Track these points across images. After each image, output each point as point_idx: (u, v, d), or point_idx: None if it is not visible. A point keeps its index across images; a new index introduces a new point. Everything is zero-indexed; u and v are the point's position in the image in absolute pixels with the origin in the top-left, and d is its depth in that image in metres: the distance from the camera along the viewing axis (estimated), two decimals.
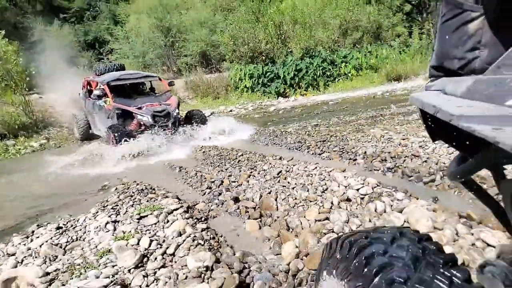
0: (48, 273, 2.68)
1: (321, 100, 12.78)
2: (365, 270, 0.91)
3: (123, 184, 5.13)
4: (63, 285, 2.49)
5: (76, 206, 4.61)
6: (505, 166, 0.89)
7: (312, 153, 5.41)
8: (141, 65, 20.24)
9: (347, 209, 3.01)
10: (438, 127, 0.89)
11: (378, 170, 4.19)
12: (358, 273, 0.93)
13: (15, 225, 4.24)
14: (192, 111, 8.79)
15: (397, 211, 2.77)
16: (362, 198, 3.15)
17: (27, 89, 10.95)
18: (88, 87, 9.39)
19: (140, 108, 7.58)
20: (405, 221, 2.61)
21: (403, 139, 5.08)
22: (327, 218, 2.89)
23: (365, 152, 4.80)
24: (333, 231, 2.65)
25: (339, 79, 15.45)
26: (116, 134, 7.02)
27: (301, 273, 2.26)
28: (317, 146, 5.62)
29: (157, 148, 6.93)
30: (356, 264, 0.95)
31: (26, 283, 2.54)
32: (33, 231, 3.73)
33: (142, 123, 7.52)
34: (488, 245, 2.18)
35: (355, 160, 4.68)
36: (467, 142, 0.76)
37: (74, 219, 3.91)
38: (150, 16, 21.84)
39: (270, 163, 4.82)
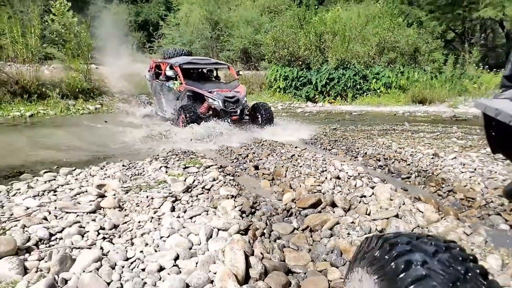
0: (124, 187, 3.97)
1: (346, 109, 13.80)
2: (400, 276, 0.89)
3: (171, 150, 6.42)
4: (136, 193, 3.76)
5: (132, 155, 5.92)
6: None
7: (324, 148, 6.55)
8: None
9: (335, 182, 4.15)
10: (501, 138, 0.84)
11: (371, 166, 5.29)
12: (392, 277, 0.92)
13: (87, 161, 5.59)
14: (259, 103, 8.62)
15: (369, 187, 3.89)
16: (348, 178, 4.28)
17: (91, 59, 12.54)
18: (156, 70, 9.61)
19: (211, 92, 7.71)
20: (372, 193, 3.73)
21: (400, 148, 6.14)
22: (319, 185, 4.04)
23: (366, 153, 5.91)
24: (320, 191, 3.81)
25: (367, 94, 16.36)
26: (188, 115, 7.26)
27: (292, 209, 3.44)
28: (329, 144, 6.75)
29: (219, 135, 7.10)
30: (393, 267, 0.93)
31: (111, 189, 3.83)
32: (103, 166, 5.06)
33: (212, 106, 7.69)
34: (419, 210, 3.28)
35: (356, 157, 5.79)
36: None
37: (134, 163, 5.22)
38: (202, 8, 23.31)
39: (287, 149, 5.99)
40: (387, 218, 3.06)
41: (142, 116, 9.79)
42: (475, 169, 4.79)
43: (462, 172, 4.68)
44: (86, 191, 3.69)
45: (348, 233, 2.86)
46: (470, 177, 4.49)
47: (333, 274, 2.35)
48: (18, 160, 5.54)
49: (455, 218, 3.25)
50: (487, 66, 19.22)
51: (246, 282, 2.17)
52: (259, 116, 8.20)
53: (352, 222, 3.05)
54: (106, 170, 4.77)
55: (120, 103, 11.40)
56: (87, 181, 4.23)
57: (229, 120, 7.56)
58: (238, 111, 7.75)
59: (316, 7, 27.03)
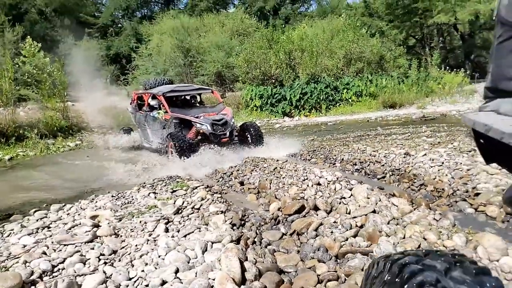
0: (117, 216, 4.12)
1: (322, 121, 14.26)
2: None
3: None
4: (129, 220, 3.92)
5: (119, 186, 6.04)
6: None
7: (303, 159, 6.85)
8: None
9: (316, 188, 4.42)
10: (492, 149, 0.85)
11: (348, 170, 5.61)
12: None
13: (75, 196, 5.68)
14: (247, 123, 8.57)
15: (347, 189, 4.17)
16: (328, 183, 4.56)
17: (66, 97, 12.62)
18: (138, 101, 9.61)
19: (197, 118, 7.64)
20: (351, 194, 4.01)
21: (374, 151, 6.50)
22: (302, 192, 4.30)
23: (342, 159, 6.24)
24: (303, 198, 4.06)
25: (340, 104, 16.95)
26: (177, 143, 7.06)
27: (279, 217, 3.68)
28: (308, 154, 7.07)
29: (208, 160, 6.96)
30: None
31: (104, 218, 3.97)
32: (93, 199, 5.18)
33: (201, 131, 7.61)
34: (394, 204, 3.58)
35: (334, 164, 6.11)
36: None
37: (122, 192, 5.36)
38: (172, 37, 23.79)
39: (269, 163, 6.25)
40: (366, 215, 3.33)
41: (123, 147, 9.85)
42: (442, 163, 5.17)
43: (432, 167, 5.05)
44: (80, 223, 3.83)
45: (332, 232, 3.12)
46: (438, 170, 4.86)
47: (321, 269, 2.59)
48: (4, 204, 5.58)
49: (426, 208, 3.56)
50: (448, 67, 20.23)
51: (243, 283, 2.38)
52: (249, 136, 8.17)
53: (335, 222, 3.31)
54: (96, 202, 4.90)
55: (99, 138, 11.42)
56: (79, 214, 4.35)
57: (218, 143, 7.52)
58: (228, 133, 7.72)
59: (283, 26, 28.04)
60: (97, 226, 3.70)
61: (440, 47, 28.42)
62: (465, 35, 28.06)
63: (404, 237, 2.86)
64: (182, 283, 2.41)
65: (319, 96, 16.73)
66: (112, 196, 5.14)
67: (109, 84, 25.76)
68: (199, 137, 7.72)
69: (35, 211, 4.68)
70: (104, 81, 26.98)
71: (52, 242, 3.34)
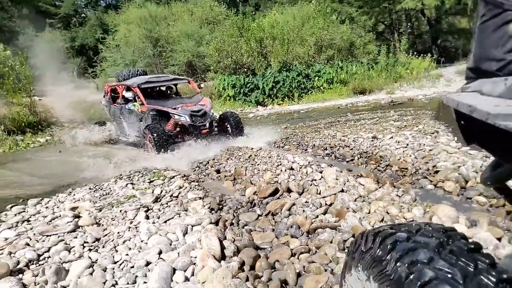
0: (97, 207, 4.21)
1: (294, 109, 14.54)
2: (406, 281, 0.86)
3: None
4: (109, 210, 4.03)
5: (95, 180, 6.07)
6: None
7: (277, 146, 7.08)
8: None
9: (289, 173, 4.64)
10: (474, 130, 0.86)
11: (319, 155, 5.88)
12: (397, 282, 0.89)
13: (51, 191, 5.68)
14: (226, 113, 8.44)
15: (318, 172, 4.42)
16: (300, 167, 4.80)
17: (33, 91, 12.27)
18: (112, 94, 9.36)
19: (175, 109, 7.48)
20: (321, 177, 4.26)
21: (343, 136, 6.81)
22: (276, 177, 4.52)
23: (314, 144, 6.51)
24: (277, 182, 4.28)
25: (312, 92, 17.26)
26: (155, 135, 6.92)
27: (255, 201, 3.88)
28: (281, 141, 7.31)
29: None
30: (397, 271, 0.91)
31: (84, 210, 4.06)
32: (70, 192, 5.22)
33: (179, 123, 7.46)
34: (361, 184, 3.85)
35: (306, 149, 6.37)
36: (504, 147, 0.75)
37: (99, 185, 5.42)
38: (140, 27, 23.33)
39: (244, 151, 6.44)
40: (335, 194, 3.59)
41: (97, 141, 9.72)
42: (407, 145, 5.52)
43: (397, 149, 5.38)
44: (61, 215, 3.91)
45: (303, 210, 3.36)
46: (403, 152, 5.19)
47: (294, 243, 2.82)
48: None
49: (390, 186, 3.86)
50: (416, 52, 20.91)
51: (223, 259, 2.57)
52: (228, 127, 8.03)
53: (306, 202, 3.55)
54: (74, 195, 4.95)
55: (69, 133, 11.18)
56: (58, 207, 4.41)
57: (198, 135, 7.43)
58: (207, 124, 7.56)
59: (254, 13, 27.97)
60: (78, 217, 3.79)
61: (409, 32, 29.22)
62: (432, 21, 28.91)
63: (369, 212, 3.13)
64: (165, 262, 2.58)
65: (291, 84, 16.97)
66: (90, 189, 5.20)
67: (76, 77, 25.08)
68: (178, 129, 7.58)
69: (11, 207, 4.68)
70: (71, 74, 26.22)
71: (34, 234, 3.42)
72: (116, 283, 2.46)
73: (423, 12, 27.54)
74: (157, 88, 8.92)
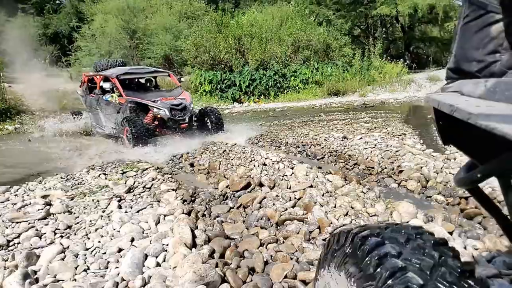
0: (68, 195, 4.20)
1: (270, 107, 14.72)
2: (377, 271, 0.89)
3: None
4: (81, 199, 4.04)
5: (66, 169, 5.99)
6: None
7: (251, 142, 7.21)
8: None
9: (262, 168, 4.78)
10: (451, 131, 0.88)
11: (292, 152, 6.06)
12: (368, 273, 0.91)
13: (21, 179, 5.58)
14: (207, 108, 8.33)
15: (289, 168, 4.58)
16: (273, 163, 4.94)
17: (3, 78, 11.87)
18: (89, 84, 9.09)
19: (154, 102, 7.35)
20: (292, 173, 4.42)
21: (315, 135, 7.02)
22: (249, 172, 4.64)
23: (287, 142, 6.68)
24: (250, 176, 4.41)
25: (287, 91, 17.51)
26: (133, 127, 6.78)
27: (227, 194, 4.00)
28: (255, 138, 7.44)
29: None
30: (368, 262, 0.93)
31: (56, 198, 4.05)
32: (40, 180, 5.16)
33: (158, 116, 7.34)
34: (329, 180, 4.03)
35: (279, 147, 6.53)
36: (479, 148, 0.77)
37: (71, 174, 5.38)
38: (117, 17, 22.87)
39: (218, 146, 6.53)
40: (304, 189, 3.75)
41: (70, 132, 9.46)
42: (375, 145, 5.76)
43: (365, 149, 5.62)
44: (31, 203, 3.88)
45: (273, 204, 3.50)
46: (371, 152, 5.43)
47: (263, 234, 2.95)
48: None
49: (357, 183, 4.06)
50: (389, 57, 21.54)
51: (194, 247, 2.67)
52: (208, 122, 7.91)
53: (276, 195, 3.70)
54: (45, 183, 4.89)
55: (42, 121, 10.90)
56: (28, 195, 4.36)
57: (177, 129, 7.41)
58: (187, 119, 7.47)
59: (233, 10, 27.98)
60: (49, 204, 3.78)
61: (383, 37, 29.98)
62: (405, 27, 29.82)
63: (335, 206, 3.30)
64: (138, 248, 2.65)
65: (268, 83, 17.14)
66: (61, 178, 5.16)
67: (48, 65, 24.28)
68: (156, 122, 7.44)
69: None
70: (43, 62, 25.37)
71: (3, 221, 3.39)
72: (88, 268, 2.51)
73: (398, 19, 28.36)
74: (136, 80, 8.78)
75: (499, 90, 0.69)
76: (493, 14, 0.76)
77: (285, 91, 17.56)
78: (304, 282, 2.24)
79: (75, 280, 2.37)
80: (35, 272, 2.46)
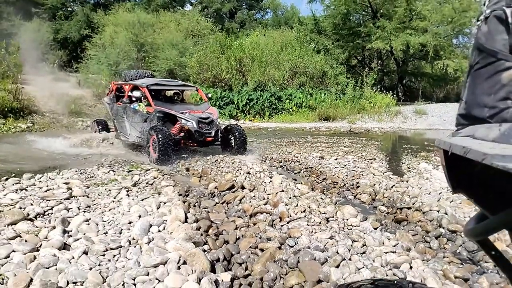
0: (84, 185, 5.12)
1: (263, 126, 15.78)
2: None
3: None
4: (95, 188, 4.96)
5: (79, 166, 6.92)
6: None
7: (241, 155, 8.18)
8: (113, 73, 22.31)
9: (246, 175, 5.74)
10: (462, 177, 0.86)
11: (274, 166, 7.03)
12: None
13: (39, 170, 6.48)
14: (233, 125, 8.39)
15: (268, 177, 5.54)
16: (256, 173, 5.90)
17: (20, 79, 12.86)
18: (117, 92, 9.31)
19: (183, 113, 7.46)
20: (270, 180, 5.38)
21: (297, 153, 8.02)
22: (235, 178, 5.60)
23: (272, 157, 7.67)
24: (235, 181, 5.37)
25: (282, 112, 18.63)
26: (160, 136, 6.73)
27: (215, 192, 4.95)
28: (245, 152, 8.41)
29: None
30: None
31: (75, 185, 4.96)
32: (58, 172, 6.07)
33: (185, 128, 7.42)
34: (298, 188, 4.99)
35: (264, 160, 7.52)
36: (491, 197, 0.76)
37: (84, 169, 6.30)
38: (127, 30, 24.13)
39: (211, 155, 7.49)
40: (276, 192, 4.70)
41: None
42: (345, 165, 6.76)
43: (335, 167, 6.61)
44: (54, 188, 4.80)
45: (250, 201, 4.45)
46: (339, 170, 6.42)
47: (239, 221, 3.88)
48: None
49: (320, 192, 5.02)
50: (383, 88, 22.78)
51: (186, 222, 3.61)
52: (232, 139, 7.98)
53: (254, 196, 4.65)
54: (63, 174, 5.81)
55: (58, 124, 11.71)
56: (50, 182, 5.27)
57: (202, 142, 7.56)
58: (213, 133, 7.53)
59: (238, 30, 29.38)
60: (70, 189, 4.70)
61: (378, 69, 31.45)
62: (399, 62, 31.38)
63: (296, 205, 4.25)
64: (144, 218, 3.58)
65: (264, 103, 18.28)
66: (76, 171, 6.07)
67: (57, 70, 25.31)
68: (182, 134, 7.53)
69: (6, 179, 5.48)
70: (52, 66, 26.39)
71: (36, 198, 4.30)
72: (107, 232, 3.43)
73: (392, 52, 29.90)
74: (164, 92, 9.08)
75: None
76: (504, 62, 0.76)
77: (280, 112, 18.67)
78: (262, 250, 3.17)
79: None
80: (68, 232, 3.38)
